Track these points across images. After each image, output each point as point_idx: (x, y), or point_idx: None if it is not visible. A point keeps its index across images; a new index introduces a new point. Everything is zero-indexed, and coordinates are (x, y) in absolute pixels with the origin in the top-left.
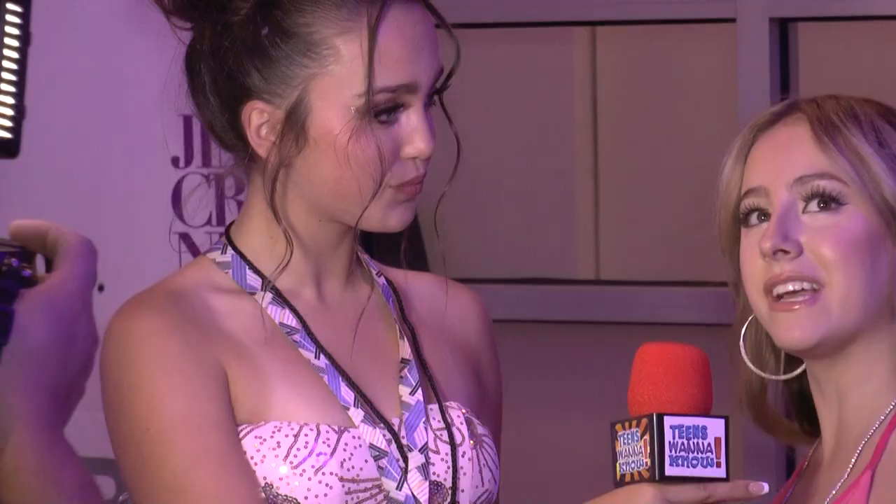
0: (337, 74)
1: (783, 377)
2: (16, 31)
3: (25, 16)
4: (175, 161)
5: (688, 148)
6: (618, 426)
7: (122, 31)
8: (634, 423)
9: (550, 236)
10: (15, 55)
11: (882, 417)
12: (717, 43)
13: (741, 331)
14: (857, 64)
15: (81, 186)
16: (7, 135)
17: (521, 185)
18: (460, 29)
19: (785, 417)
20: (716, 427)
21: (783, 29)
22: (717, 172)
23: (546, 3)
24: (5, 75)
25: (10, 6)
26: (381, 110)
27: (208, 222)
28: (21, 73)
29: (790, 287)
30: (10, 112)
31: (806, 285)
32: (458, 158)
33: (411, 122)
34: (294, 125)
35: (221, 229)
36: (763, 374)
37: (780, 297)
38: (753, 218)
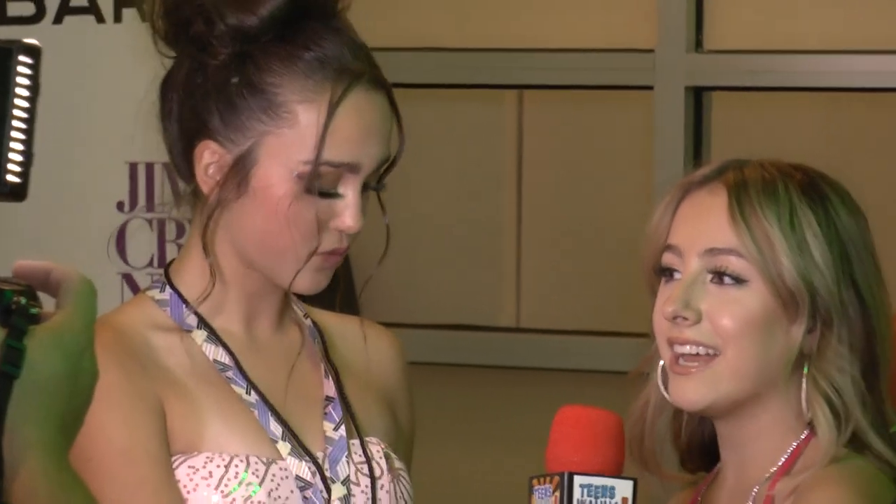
0: (288, 137)
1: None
2: (26, 82)
3: (35, 67)
4: (120, 205)
5: (606, 206)
6: (534, 481)
7: (76, 76)
8: (548, 479)
9: (475, 285)
10: (25, 104)
11: (767, 475)
12: (636, 109)
13: (658, 364)
14: (767, 132)
15: (28, 227)
16: (17, 179)
17: (448, 236)
18: (401, 88)
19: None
20: (624, 488)
21: (698, 97)
22: (648, 219)
23: (480, 67)
24: (16, 123)
25: (21, 58)
26: (319, 184)
27: (150, 264)
28: (30, 121)
29: (687, 349)
30: (19, 158)
31: (702, 350)
32: (387, 245)
33: (346, 197)
34: (239, 172)
35: (162, 270)
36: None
37: (679, 356)
38: (668, 274)
